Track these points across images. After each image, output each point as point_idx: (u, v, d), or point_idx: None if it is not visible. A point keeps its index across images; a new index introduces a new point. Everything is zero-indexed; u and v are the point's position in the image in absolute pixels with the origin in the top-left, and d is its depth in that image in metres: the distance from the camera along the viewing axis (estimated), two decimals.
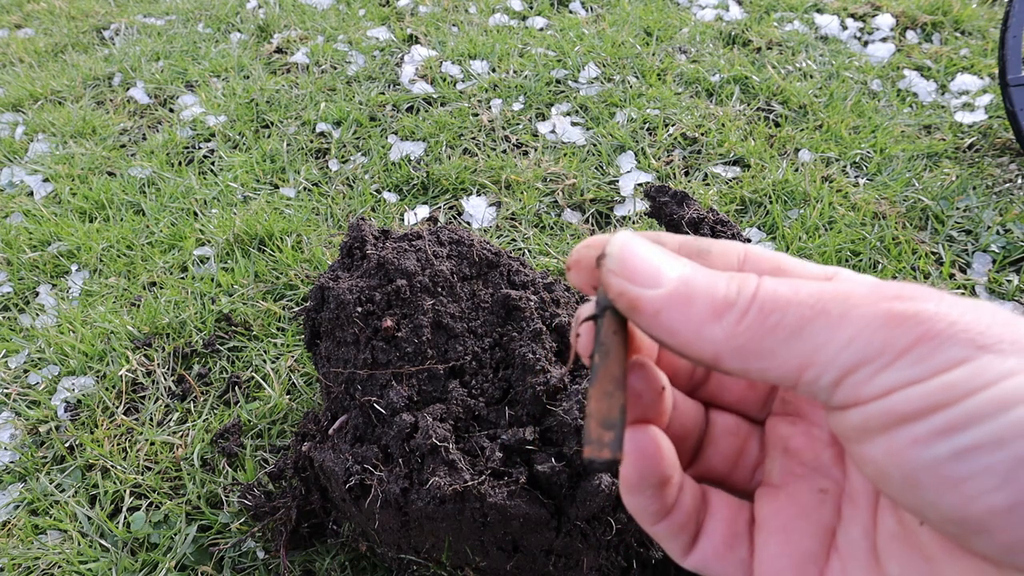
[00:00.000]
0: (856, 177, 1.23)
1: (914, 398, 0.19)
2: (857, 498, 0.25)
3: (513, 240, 1.13)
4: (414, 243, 0.74)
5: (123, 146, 1.44)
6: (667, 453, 0.26)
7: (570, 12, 1.77)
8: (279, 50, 1.70)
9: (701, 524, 0.27)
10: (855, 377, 0.20)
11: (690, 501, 0.27)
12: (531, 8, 1.79)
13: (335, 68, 1.60)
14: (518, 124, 1.38)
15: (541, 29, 1.70)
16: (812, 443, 0.27)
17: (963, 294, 1.01)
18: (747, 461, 0.29)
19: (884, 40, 1.61)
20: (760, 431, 0.29)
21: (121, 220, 1.23)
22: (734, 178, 1.23)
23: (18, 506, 0.84)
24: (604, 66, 1.53)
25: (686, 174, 1.26)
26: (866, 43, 1.61)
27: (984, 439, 0.18)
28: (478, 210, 1.18)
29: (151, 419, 0.91)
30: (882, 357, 0.20)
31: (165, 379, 0.95)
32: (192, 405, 0.92)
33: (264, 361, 0.96)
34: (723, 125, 1.34)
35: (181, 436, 0.89)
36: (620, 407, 0.24)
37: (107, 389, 0.95)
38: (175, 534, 0.78)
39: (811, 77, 1.48)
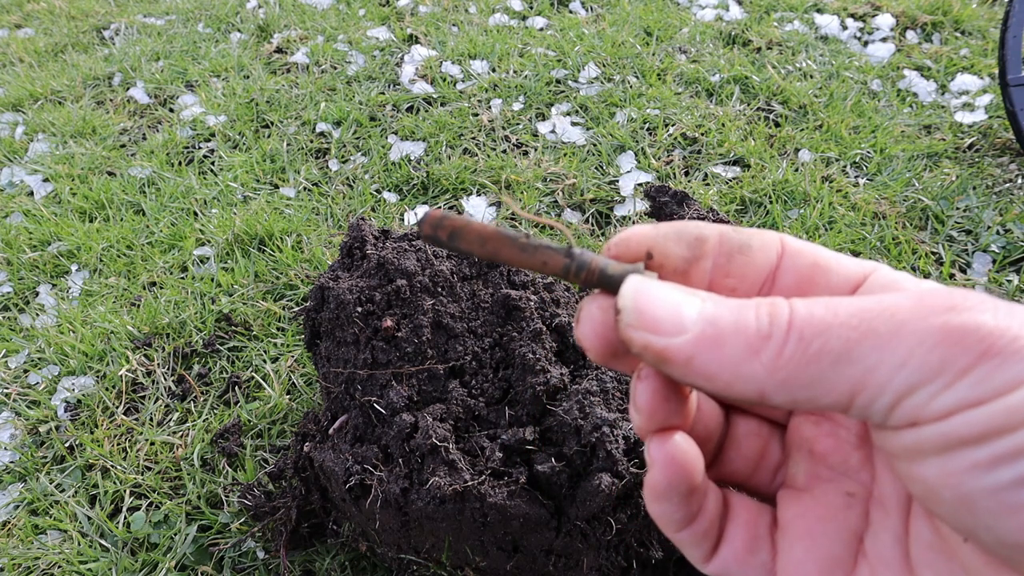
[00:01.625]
0: (856, 177, 1.23)
1: (976, 421, 0.18)
2: (887, 503, 0.24)
3: None
4: (414, 243, 0.74)
5: (123, 146, 1.44)
6: (695, 461, 0.25)
7: (570, 12, 1.77)
8: (279, 50, 1.70)
9: (723, 530, 0.26)
10: (914, 399, 0.19)
11: (713, 507, 0.26)
12: (531, 8, 1.79)
13: (335, 68, 1.60)
14: (518, 124, 1.38)
15: (541, 29, 1.70)
16: (839, 445, 0.26)
17: None
18: (769, 463, 0.28)
19: (884, 40, 1.61)
20: (781, 432, 0.29)
21: (121, 220, 1.23)
22: (734, 178, 1.23)
23: (18, 506, 0.84)
24: (604, 66, 1.53)
25: (686, 174, 1.26)
26: (866, 43, 1.61)
27: None
28: (478, 210, 1.18)
29: (151, 419, 0.91)
30: (942, 377, 0.19)
31: (165, 379, 0.95)
32: (192, 405, 0.92)
33: (264, 361, 0.96)
34: (723, 125, 1.34)
35: (181, 436, 0.89)
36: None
37: (107, 389, 0.95)
38: (175, 534, 0.78)
39: (811, 77, 1.48)
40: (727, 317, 0.21)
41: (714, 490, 0.27)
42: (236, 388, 0.93)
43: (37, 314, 1.07)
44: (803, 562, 0.24)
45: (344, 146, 1.36)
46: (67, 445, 0.89)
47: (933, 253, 1.07)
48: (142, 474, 0.85)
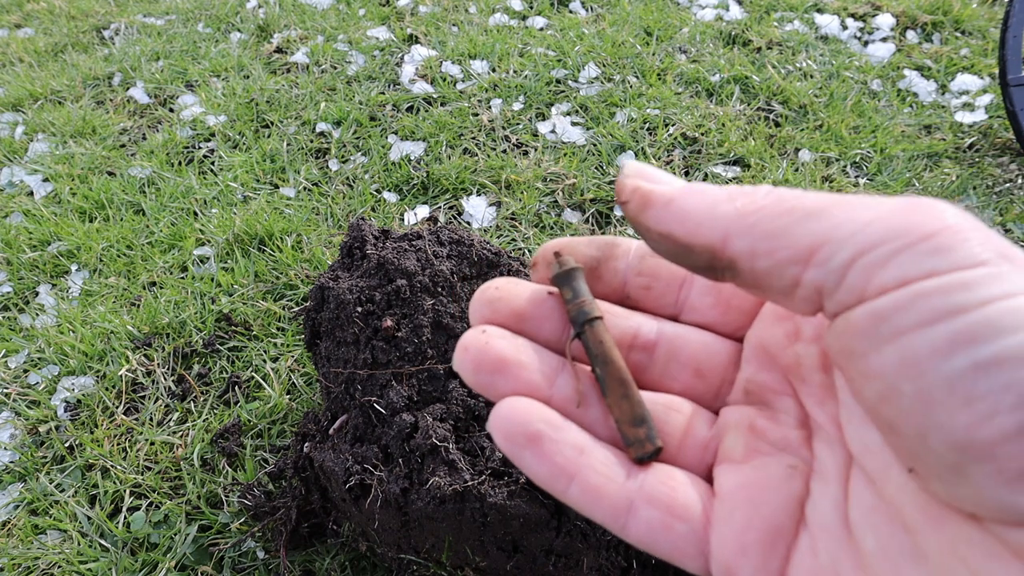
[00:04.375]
0: (856, 177, 1.23)
1: (931, 291, 0.18)
2: (827, 474, 0.23)
3: (513, 240, 1.13)
4: (414, 243, 0.74)
5: (123, 146, 1.44)
6: (527, 407, 0.25)
7: (570, 12, 1.77)
8: (279, 50, 1.70)
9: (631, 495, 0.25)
10: (871, 257, 0.19)
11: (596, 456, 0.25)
12: (531, 8, 1.79)
13: (335, 68, 1.60)
14: (518, 124, 1.38)
15: (541, 29, 1.70)
16: (779, 425, 0.25)
17: None
18: (694, 440, 0.27)
19: (884, 40, 1.61)
20: (708, 414, 0.28)
21: (121, 220, 1.23)
22: (734, 178, 1.23)
23: (18, 506, 0.84)
24: (604, 66, 1.53)
25: (686, 174, 1.26)
26: (866, 43, 1.61)
27: (1007, 354, 0.17)
28: (478, 210, 1.18)
29: (151, 419, 0.91)
30: (902, 239, 0.18)
31: (165, 379, 0.95)
32: (192, 405, 0.92)
33: (264, 361, 0.96)
34: (723, 125, 1.34)
35: (181, 436, 0.89)
36: (638, 401, 0.26)
37: (107, 389, 0.95)
38: (175, 534, 0.78)
39: (811, 77, 1.48)
40: (713, 185, 0.23)
41: (599, 448, 0.26)
42: (236, 388, 0.93)
43: (37, 314, 1.07)
44: (744, 530, 0.23)
45: (344, 146, 1.36)
46: (67, 445, 0.89)
47: None
48: (142, 474, 0.85)
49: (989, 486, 0.17)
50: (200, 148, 1.40)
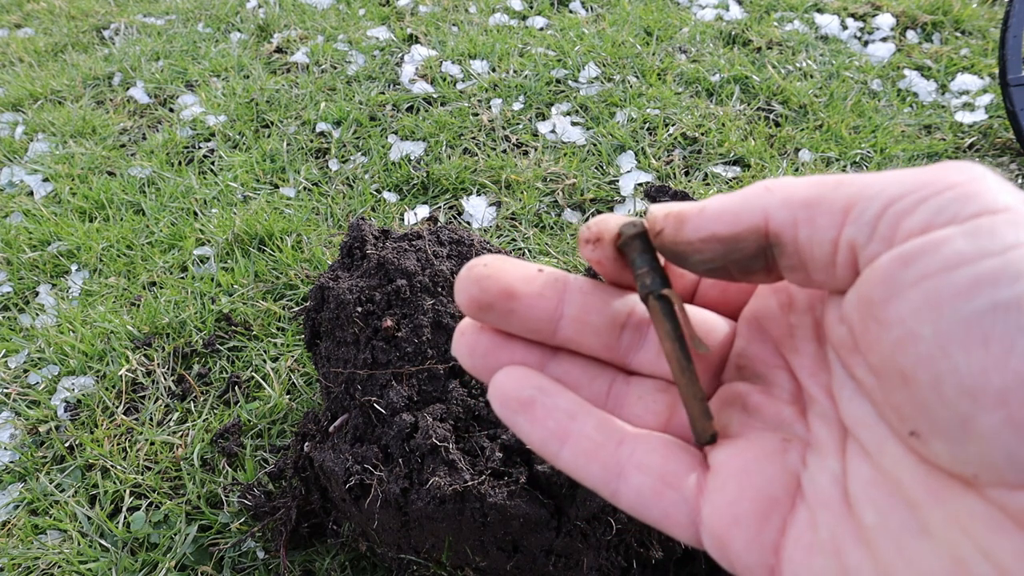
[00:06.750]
0: None
1: (956, 236, 0.18)
2: (823, 449, 0.23)
3: (513, 240, 1.13)
4: (414, 243, 0.74)
5: (123, 146, 1.44)
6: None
7: (570, 12, 1.77)
8: (279, 50, 1.70)
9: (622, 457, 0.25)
10: (898, 206, 0.19)
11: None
12: (531, 8, 1.79)
13: (335, 68, 1.60)
14: (518, 124, 1.38)
15: (541, 29, 1.70)
16: (772, 401, 0.25)
17: None
18: (682, 418, 0.27)
19: (884, 40, 1.61)
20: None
21: (121, 220, 1.23)
22: (734, 178, 1.23)
23: (18, 506, 0.84)
24: (604, 66, 1.53)
25: (686, 174, 1.26)
26: (866, 43, 1.61)
27: None
28: (478, 210, 1.18)
29: (151, 419, 0.91)
30: (928, 188, 0.19)
31: (165, 379, 0.95)
32: (192, 405, 0.92)
33: (264, 361, 0.96)
34: (723, 125, 1.34)
35: (181, 436, 0.89)
36: (687, 383, 0.25)
37: (107, 389, 0.95)
38: (175, 534, 0.78)
39: (811, 77, 1.48)
40: None
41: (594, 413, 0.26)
42: (236, 388, 0.93)
43: (37, 314, 1.07)
44: (736, 500, 0.23)
45: (344, 146, 1.36)
46: (67, 445, 0.89)
47: None
48: (142, 474, 0.85)
49: (998, 437, 0.17)
50: (200, 148, 1.40)
